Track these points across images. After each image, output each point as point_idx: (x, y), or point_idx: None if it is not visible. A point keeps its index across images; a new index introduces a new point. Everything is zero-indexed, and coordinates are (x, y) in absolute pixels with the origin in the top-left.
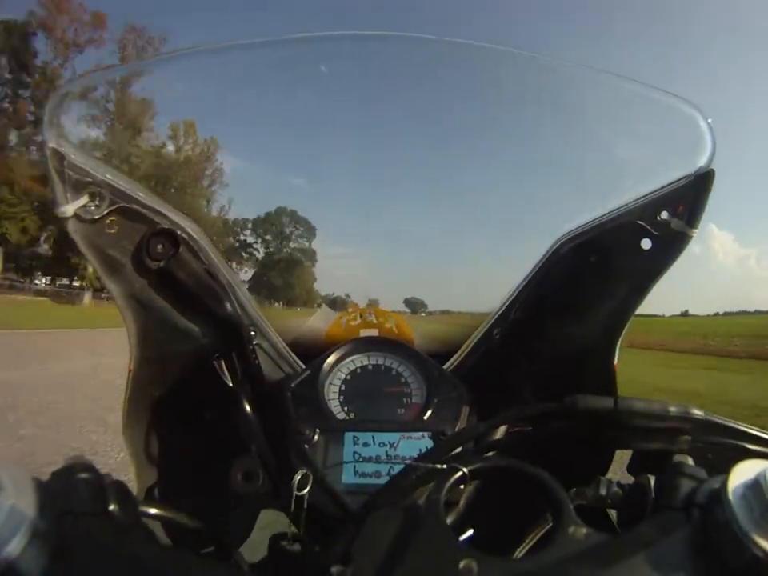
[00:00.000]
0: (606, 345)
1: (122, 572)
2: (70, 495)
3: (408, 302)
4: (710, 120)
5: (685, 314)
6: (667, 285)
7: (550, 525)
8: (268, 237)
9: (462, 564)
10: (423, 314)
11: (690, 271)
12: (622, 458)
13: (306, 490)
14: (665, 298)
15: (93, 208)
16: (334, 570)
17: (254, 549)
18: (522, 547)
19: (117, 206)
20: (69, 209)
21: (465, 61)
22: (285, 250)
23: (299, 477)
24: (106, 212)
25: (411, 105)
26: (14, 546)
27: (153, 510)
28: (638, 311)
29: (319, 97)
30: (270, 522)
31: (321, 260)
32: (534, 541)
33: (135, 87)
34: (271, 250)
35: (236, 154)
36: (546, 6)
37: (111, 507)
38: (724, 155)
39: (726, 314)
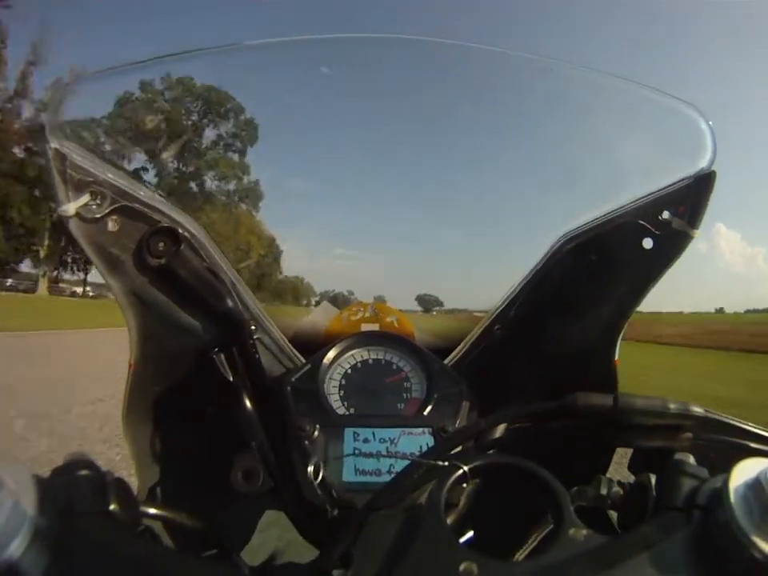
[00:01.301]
0: (607, 342)
1: (123, 572)
2: (71, 493)
3: (420, 299)
4: (710, 122)
5: (720, 311)
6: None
7: (551, 527)
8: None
9: (462, 566)
10: (435, 312)
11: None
12: (622, 458)
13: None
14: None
15: (94, 207)
16: (335, 571)
17: (255, 549)
18: (522, 549)
19: (118, 204)
20: (70, 208)
21: (468, 63)
22: (199, 171)
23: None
24: (107, 211)
25: (414, 106)
26: (16, 546)
27: (153, 510)
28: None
29: (320, 98)
30: (271, 523)
31: (319, 258)
32: (535, 543)
33: (132, 86)
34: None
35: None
36: (546, 5)
37: (112, 506)
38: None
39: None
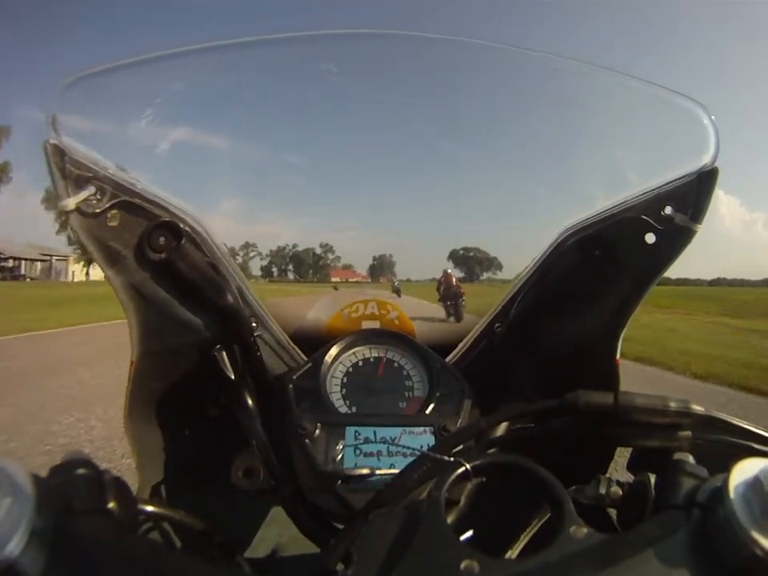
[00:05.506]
0: (608, 340)
1: (121, 571)
2: (69, 492)
3: (457, 257)
4: (713, 117)
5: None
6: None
7: (547, 517)
8: None
9: (463, 564)
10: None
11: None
12: (623, 457)
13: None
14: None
15: (94, 202)
16: (335, 569)
17: (255, 545)
18: (519, 541)
19: (118, 199)
20: (70, 203)
21: (472, 58)
22: None
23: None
24: (107, 206)
25: (416, 98)
26: (14, 545)
27: (152, 508)
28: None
29: (322, 85)
30: (271, 519)
31: (321, 232)
32: (532, 533)
33: (134, 81)
34: None
35: (234, 136)
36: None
37: (110, 504)
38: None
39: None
